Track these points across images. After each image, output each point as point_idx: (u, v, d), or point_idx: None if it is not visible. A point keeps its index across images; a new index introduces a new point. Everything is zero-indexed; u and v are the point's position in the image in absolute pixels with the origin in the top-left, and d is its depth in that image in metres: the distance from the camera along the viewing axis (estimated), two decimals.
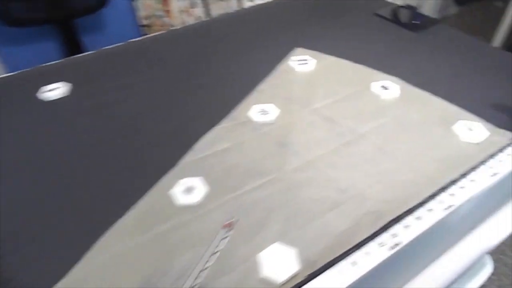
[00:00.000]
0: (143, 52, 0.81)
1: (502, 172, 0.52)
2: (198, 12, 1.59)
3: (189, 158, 0.55)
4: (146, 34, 1.55)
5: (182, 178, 0.52)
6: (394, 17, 0.89)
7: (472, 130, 0.57)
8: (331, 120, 0.61)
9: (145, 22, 1.49)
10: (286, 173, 0.52)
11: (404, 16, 0.88)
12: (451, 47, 0.80)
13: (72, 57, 0.80)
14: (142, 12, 1.46)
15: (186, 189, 0.51)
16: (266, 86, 0.69)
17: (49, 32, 1.28)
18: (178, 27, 0.91)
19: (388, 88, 0.66)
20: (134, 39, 0.86)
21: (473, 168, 0.53)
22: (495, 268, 0.95)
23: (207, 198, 0.50)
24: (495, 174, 0.52)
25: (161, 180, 0.52)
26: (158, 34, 0.87)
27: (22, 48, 1.26)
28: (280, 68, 0.74)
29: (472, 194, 0.49)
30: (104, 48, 0.82)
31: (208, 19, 1.62)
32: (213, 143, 0.57)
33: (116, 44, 0.83)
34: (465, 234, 0.51)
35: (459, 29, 0.85)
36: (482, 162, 0.53)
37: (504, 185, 0.52)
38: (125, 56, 0.80)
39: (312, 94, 0.67)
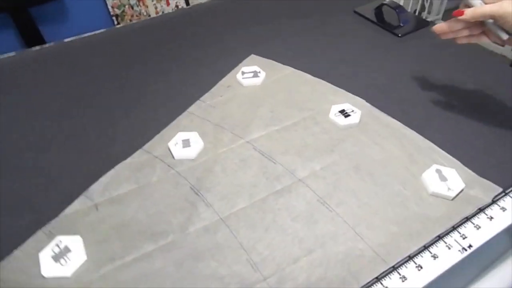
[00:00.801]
0: (57, 57, 0.69)
1: (478, 244, 0.39)
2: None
3: (75, 207, 0.43)
4: (119, 24, 1.42)
5: (57, 235, 0.40)
6: (376, 16, 0.74)
7: (447, 179, 0.44)
8: (267, 157, 0.48)
9: (116, 11, 1.36)
10: (189, 235, 0.40)
11: (387, 15, 0.73)
12: (438, 57, 0.65)
13: None
14: (112, 1, 1.33)
15: (59, 253, 0.39)
16: (199, 106, 0.56)
17: (4, 21, 1.16)
18: (120, 26, 0.78)
19: (349, 114, 0.53)
20: (58, 41, 0.73)
21: (440, 237, 0.40)
22: None
23: (83, 268, 0.38)
24: (468, 248, 0.38)
25: (32, 238, 0.41)
26: (82, 37, 0.74)
27: None
28: (224, 82, 0.61)
29: (430, 279, 0.36)
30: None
31: (187, 7, 1.48)
32: (110, 185, 0.45)
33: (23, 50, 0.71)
34: None
35: None
36: (453, 228, 0.40)
37: (477, 260, 0.39)
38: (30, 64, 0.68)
39: (252, 119, 0.54)
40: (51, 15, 1.25)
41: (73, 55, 0.69)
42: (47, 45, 0.72)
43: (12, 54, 0.69)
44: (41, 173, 0.48)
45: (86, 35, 0.74)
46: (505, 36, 0.44)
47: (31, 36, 1.19)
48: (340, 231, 0.40)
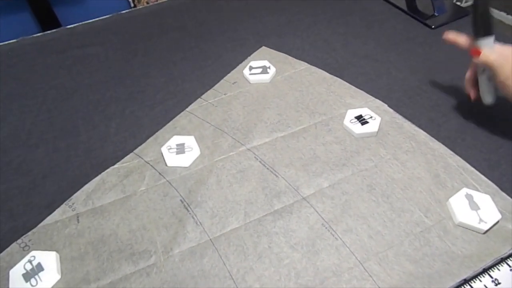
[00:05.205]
0: (56, 45, 0.65)
1: None
2: None
3: (55, 217, 0.40)
4: (135, 7, 1.38)
5: (32, 250, 0.37)
6: (407, 4, 0.65)
7: (479, 207, 0.37)
8: (269, 169, 0.42)
9: None
10: (172, 257, 0.36)
11: (420, 3, 0.64)
12: None
13: None
14: None
15: (31, 271, 0.36)
16: (199, 105, 0.51)
17: (19, 4, 1.14)
18: (124, 11, 0.73)
19: (366, 121, 0.46)
20: (59, 28, 0.69)
21: (466, 281, 0.33)
22: None
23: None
24: None
25: (5, 251, 0.37)
26: (80, 25, 0.70)
27: None
28: (229, 77, 0.55)
29: None
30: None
31: None
32: (94, 194, 0.41)
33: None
34: None
35: None
36: (484, 270, 0.33)
37: None
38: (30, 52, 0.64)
39: (256, 123, 0.48)
40: None
41: (73, 44, 0.65)
42: (48, 32, 0.69)
43: (11, 41, 0.66)
44: (26, 175, 0.45)
45: (87, 21, 0.70)
46: (487, 101, 0.44)
47: (46, 20, 1.17)
48: (345, 265, 0.34)
